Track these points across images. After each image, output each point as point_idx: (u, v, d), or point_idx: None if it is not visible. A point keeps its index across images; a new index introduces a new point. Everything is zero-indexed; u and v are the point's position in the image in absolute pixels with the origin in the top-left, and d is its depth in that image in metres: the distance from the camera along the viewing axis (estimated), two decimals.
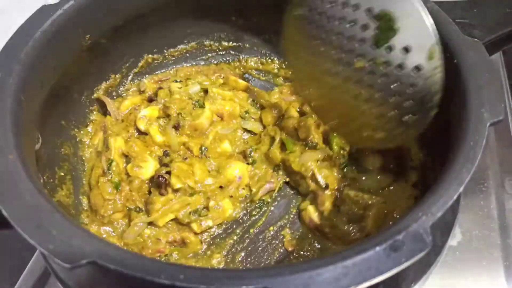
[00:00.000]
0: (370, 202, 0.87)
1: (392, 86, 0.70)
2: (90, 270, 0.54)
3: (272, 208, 0.97)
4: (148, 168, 0.92)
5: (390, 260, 0.50)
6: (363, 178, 0.91)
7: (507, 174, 1.03)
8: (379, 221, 0.85)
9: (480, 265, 0.91)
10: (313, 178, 0.90)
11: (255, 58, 1.19)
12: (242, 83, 1.12)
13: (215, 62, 1.19)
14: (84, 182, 0.96)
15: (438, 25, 0.78)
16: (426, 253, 0.52)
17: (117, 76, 1.07)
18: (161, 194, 0.87)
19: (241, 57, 1.19)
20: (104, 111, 1.05)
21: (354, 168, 0.93)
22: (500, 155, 1.06)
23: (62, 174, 0.91)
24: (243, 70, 1.19)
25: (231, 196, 0.93)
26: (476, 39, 0.76)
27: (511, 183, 1.02)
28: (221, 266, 0.85)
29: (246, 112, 1.08)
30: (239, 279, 0.49)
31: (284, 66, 1.17)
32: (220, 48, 1.18)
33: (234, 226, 0.94)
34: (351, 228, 0.85)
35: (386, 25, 0.66)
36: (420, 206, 0.56)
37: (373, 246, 0.52)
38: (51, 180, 0.87)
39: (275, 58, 1.19)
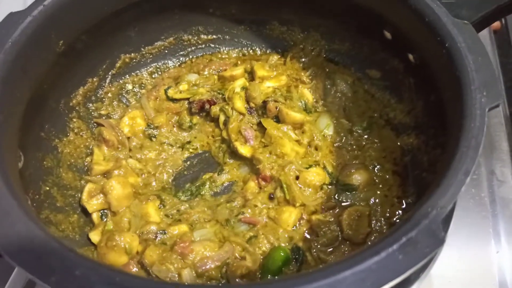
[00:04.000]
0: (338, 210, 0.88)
1: None
2: None
3: None
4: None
5: (405, 260, 0.50)
6: (349, 196, 0.90)
7: (498, 161, 1.03)
8: (353, 224, 0.84)
9: (472, 253, 0.91)
10: None
11: (237, 50, 1.15)
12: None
13: (195, 57, 1.15)
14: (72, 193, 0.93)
15: (426, 8, 0.78)
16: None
17: (94, 79, 1.02)
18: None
19: (221, 49, 1.16)
20: (84, 117, 1.01)
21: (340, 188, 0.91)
22: (490, 141, 1.06)
23: (47, 188, 0.87)
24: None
25: None
26: (465, 21, 0.75)
27: (501, 169, 1.01)
28: None
29: None
30: None
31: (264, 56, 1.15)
32: (199, 42, 1.14)
33: None
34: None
35: None
36: (428, 200, 0.55)
37: (386, 246, 0.51)
38: (37, 196, 0.83)
39: (257, 48, 1.16)
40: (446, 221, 0.63)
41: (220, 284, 0.78)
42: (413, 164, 0.93)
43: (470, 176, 0.57)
